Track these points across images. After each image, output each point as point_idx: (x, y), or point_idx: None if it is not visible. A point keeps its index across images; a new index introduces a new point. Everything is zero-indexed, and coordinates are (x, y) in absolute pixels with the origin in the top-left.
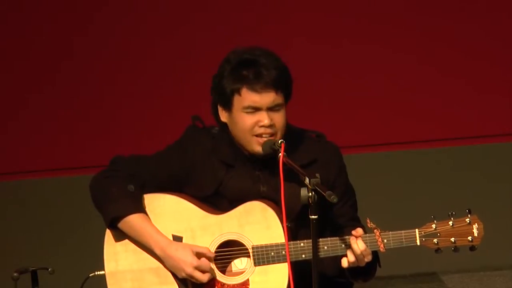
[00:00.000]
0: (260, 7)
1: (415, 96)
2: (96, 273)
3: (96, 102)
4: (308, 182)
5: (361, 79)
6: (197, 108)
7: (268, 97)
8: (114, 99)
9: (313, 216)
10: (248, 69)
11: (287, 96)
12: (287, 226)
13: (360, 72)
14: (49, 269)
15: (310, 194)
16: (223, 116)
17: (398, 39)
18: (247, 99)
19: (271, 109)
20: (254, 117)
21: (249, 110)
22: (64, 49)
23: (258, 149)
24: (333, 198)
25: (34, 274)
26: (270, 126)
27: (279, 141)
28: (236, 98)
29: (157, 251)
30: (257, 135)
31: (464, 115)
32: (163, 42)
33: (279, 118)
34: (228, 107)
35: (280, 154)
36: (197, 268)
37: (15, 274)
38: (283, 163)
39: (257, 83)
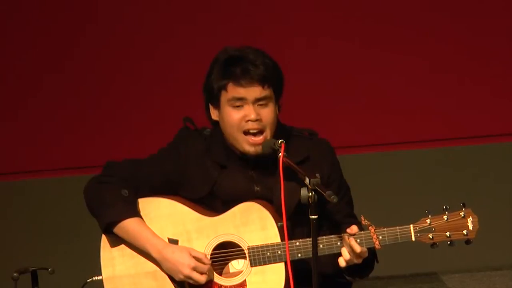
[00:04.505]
0: (259, 8)
1: (415, 96)
2: (94, 278)
3: (96, 102)
4: (308, 182)
5: (360, 79)
6: (195, 110)
7: (254, 91)
8: (114, 100)
9: (313, 216)
10: (235, 65)
11: (277, 92)
12: (281, 225)
13: (359, 72)
14: (49, 269)
15: (310, 194)
16: (214, 114)
17: (399, 39)
18: (231, 93)
19: (257, 103)
20: (241, 112)
21: (234, 102)
22: (64, 49)
23: (247, 148)
24: (333, 198)
25: (34, 274)
26: (257, 121)
27: (279, 141)
28: (223, 94)
29: (154, 254)
30: (245, 132)
31: (464, 115)
32: (163, 43)
33: (266, 113)
34: (217, 104)
35: (280, 154)
36: (195, 269)
37: (15, 274)
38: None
39: (243, 79)
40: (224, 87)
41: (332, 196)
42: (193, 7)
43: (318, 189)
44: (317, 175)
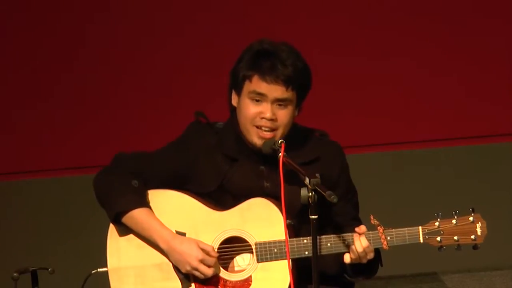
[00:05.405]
0: (264, 9)
1: (415, 96)
2: (98, 270)
3: (97, 103)
4: (308, 182)
5: (360, 79)
6: (200, 107)
7: (276, 90)
8: (115, 100)
9: (313, 216)
10: (265, 59)
11: (300, 96)
12: (289, 223)
13: (359, 72)
14: (49, 269)
15: (310, 194)
16: (234, 100)
17: (399, 40)
18: (254, 85)
19: (277, 103)
20: (258, 107)
21: (254, 96)
22: (66, 49)
23: (256, 140)
24: (333, 198)
25: (34, 274)
26: (272, 120)
27: (279, 141)
28: (246, 84)
29: (162, 245)
30: (257, 126)
31: (463, 115)
32: (166, 42)
33: (283, 115)
34: (239, 91)
35: (280, 154)
36: (202, 261)
37: (15, 274)
38: (283, 163)
39: (269, 75)
40: (249, 78)
41: (332, 196)
42: (197, 7)
43: (318, 189)
44: (317, 175)
